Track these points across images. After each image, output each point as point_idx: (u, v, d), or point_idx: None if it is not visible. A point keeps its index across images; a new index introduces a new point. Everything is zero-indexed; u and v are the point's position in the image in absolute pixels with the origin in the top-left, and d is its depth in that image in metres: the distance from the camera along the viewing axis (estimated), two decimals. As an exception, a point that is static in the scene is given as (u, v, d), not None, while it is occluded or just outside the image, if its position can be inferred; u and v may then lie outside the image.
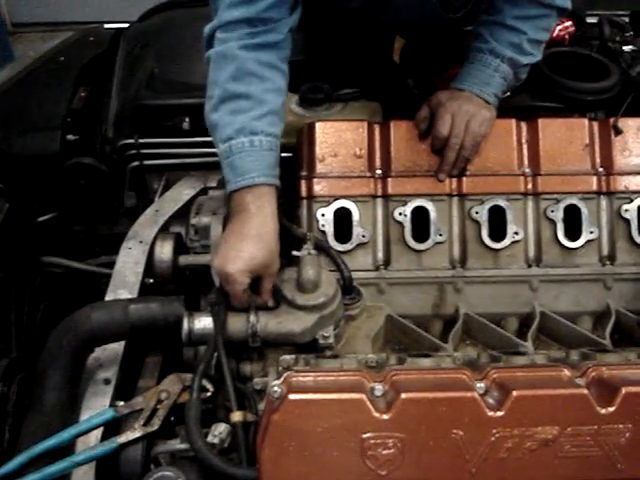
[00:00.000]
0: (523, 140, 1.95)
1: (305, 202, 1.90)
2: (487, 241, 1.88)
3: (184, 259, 1.97)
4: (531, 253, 1.91)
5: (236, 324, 1.66)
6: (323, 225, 1.89)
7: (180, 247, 2.00)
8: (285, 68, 1.80)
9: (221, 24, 1.75)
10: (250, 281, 1.65)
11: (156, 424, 1.54)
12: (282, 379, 1.42)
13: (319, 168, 1.90)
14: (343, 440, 1.34)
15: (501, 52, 1.90)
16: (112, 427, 1.57)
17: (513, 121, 1.96)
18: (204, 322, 1.66)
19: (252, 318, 1.66)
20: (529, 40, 1.90)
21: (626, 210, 1.91)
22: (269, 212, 1.68)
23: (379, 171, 1.93)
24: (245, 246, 1.64)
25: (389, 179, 1.91)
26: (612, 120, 1.97)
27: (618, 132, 1.95)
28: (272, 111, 1.72)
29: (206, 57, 1.78)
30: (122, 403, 1.60)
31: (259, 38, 1.73)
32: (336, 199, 1.90)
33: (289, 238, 1.82)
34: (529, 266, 1.90)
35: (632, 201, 1.92)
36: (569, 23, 2.48)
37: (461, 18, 2.08)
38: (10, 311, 1.90)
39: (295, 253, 1.74)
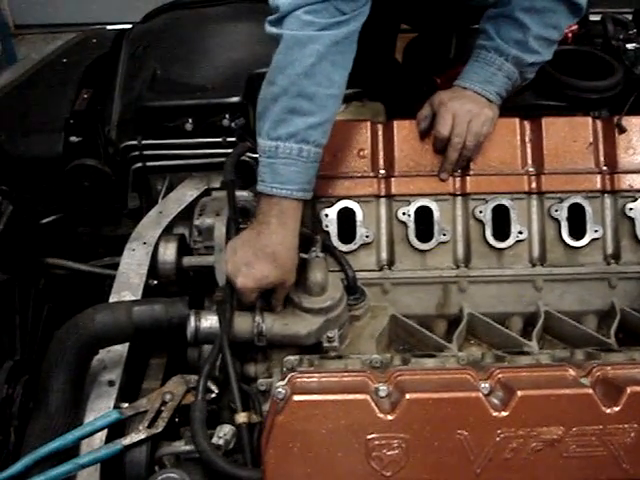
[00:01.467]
0: (527, 139, 1.95)
1: (309, 202, 1.89)
2: (491, 240, 1.88)
3: (188, 260, 1.96)
4: (535, 252, 1.91)
5: (242, 324, 1.66)
6: (327, 225, 1.89)
7: (184, 248, 1.99)
8: (350, 69, 1.72)
9: (308, 2, 1.62)
10: (259, 295, 1.67)
11: (160, 426, 1.54)
12: (286, 380, 1.42)
13: (322, 168, 1.89)
14: (347, 441, 1.34)
15: (505, 50, 1.88)
16: (116, 429, 1.57)
17: (516, 120, 1.95)
18: (210, 321, 1.66)
19: (257, 318, 1.66)
20: (535, 37, 1.87)
21: (630, 209, 1.90)
22: (291, 228, 1.66)
23: (382, 171, 1.93)
24: (258, 264, 1.64)
25: (392, 179, 1.91)
26: (616, 118, 1.96)
27: (622, 130, 1.94)
28: (329, 120, 1.68)
29: (273, 33, 1.68)
30: (126, 405, 1.60)
31: (344, 27, 1.65)
32: (339, 199, 1.90)
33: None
34: (533, 265, 1.89)
35: (636, 199, 1.91)
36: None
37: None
38: (14, 313, 1.90)
39: (303, 256, 1.74)
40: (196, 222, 2.03)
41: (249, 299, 1.67)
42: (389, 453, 1.33)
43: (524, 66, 1.92)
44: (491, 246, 1.89)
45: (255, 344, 1.68)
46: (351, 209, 1.90)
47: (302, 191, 1.66)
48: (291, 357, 1.62)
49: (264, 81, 1.69)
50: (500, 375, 1.42)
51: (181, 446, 1.52)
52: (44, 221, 2.28)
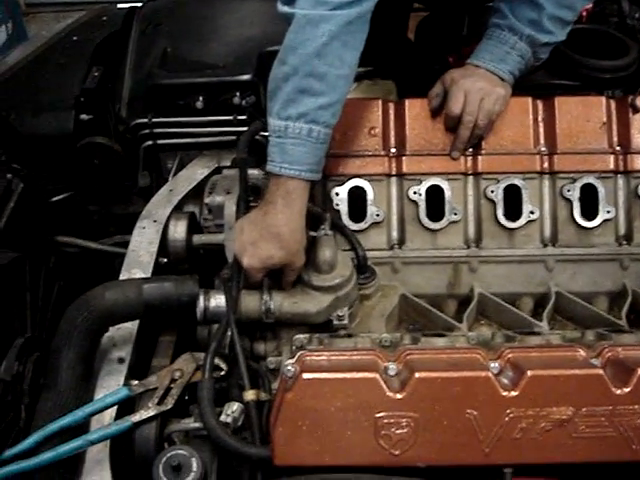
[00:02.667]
0: (539, 118, 1.93)
1: (319, 181, 1.88)
2: (502, 220, 1.87)
3: (198, 238, 1.97)
4: (547, 232, 1.89)
5: (250, 302, 1.66)
6: (337, 204, 1.88)
7: (194, 226, 1.99)
8: (362, 49, 1.70)
9: None
10: (265, 275, 1.67)
11: (170, 403, 1.55)
12: (296, 358, 1.42)
13: (333, 147, 1.88)
14: (356, 419, 1.34)
15: (519, 29, 1.87)
16: (126, 406, 1.58)
17: (529, 99, 1.93)
18: (219, 300, 1.66)
19: (265, 295, 1.66)
20: (549, 17, 1.85)
21: (644, 189, 1.89)
22: (297, 209, 1.65)
23: (394, 150, 1.92)
24: (263, 244, 1.64)
25: (404, 158, 1.90)
26: (630, 98, 1.94)
27: (636, 110, 1.92)
28: (339, 100, 1.66)
29: (285, 12, 1.66)
30: (136, 382, 1.61)
31: (357, 7, 1.61)
32: (350, 178, 1.90)
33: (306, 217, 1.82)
34: (545, 246, 1.88)
35: (650, 180, 1.90)
36: (587, -1, 2.44)
37: None
38: (25, 291, 1.90)
39: (312, 233, 1.73)
40: (206, 200, 2.03)
41: (255, 279, 1.67)
42: (398, 432, 1.33)
43: (538, 46, 1.90)
44: (502, 226, 1.87)
45: (263, 322, 1.67)
46: (362, 188, 1.89)
47: (310, 172, 1.65)
48: (301, 335, 1.63)
49: (275, 60, 1.67)
50: (510, 355, 1.42)
51: (190, 423, 1.52)
52: (55, 199, 2.28)
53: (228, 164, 2.21)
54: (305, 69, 1.60)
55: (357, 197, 1.89)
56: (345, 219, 1.87)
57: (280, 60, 1.66)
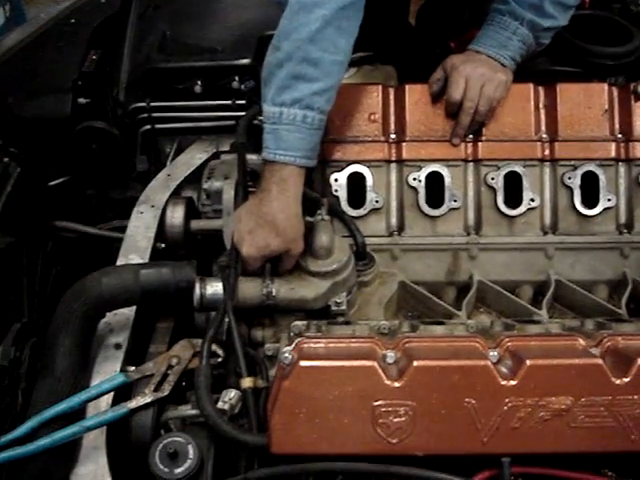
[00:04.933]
0: (541, 105, 1.92)
1: (318, 167, 1.87)
2: (502, 208, 1.86)
3: (196, 224, 1.96)
4: (547, 220, 1.88)
5: (249, 289, 1.65)
6: (336, 190, 1.87)
7: (192, 212, 1.99)
8: (356, 35, 1.69)
9: None
10: (263, 263, 1.67)
11: (167, 390, 1.55)
12: (293, 345, 1.42)
13: (333, 132, 1.88)
14: (354, 407, 1.33)
15: (521, 14, 1.85)
16: (123, 392, 1.57)
17: (531, 85, 1.92)
18: (216, 287, 1.65)
19: (267, 280, 1.66)
20: (551, 1, 1.84)
21: (645, 177, 1.88)
22: (293, 195, 1.65)
23: (393, 135, 1.90)
24: (260, 232, 1.63)
25: (403, 144, 1.89)
26: (633, 85, 1.92)
27: (638, 98, 1.91)
28: (333, 86, 1.65)
29: None
30: (133, 368, 1.61)
31: None
32: (350, 164, 1.88)
33: (303, 203, 1.80)
34: (545, 233, 1.87)
35: (651, 168, 1.88)
36: (590, -15, 2.42)
37: None
38: (22, 276, 1.89)
39: (308, 219, 1.72)
40: (204, 185, 2.02)
41: (254, 267, 1.67)
42: (396, 420, 1.33)
43: (539, 31, 1.89)
44: (502, 213, 1.86)
45: (263, 305, 1.66)
46: (361, 174, 1.87)
47: (305, 158, 1.64)
48: (298, 322, 1.62)
49: (269, 46, 1.67)
50: (509, 344, 1.41)
51: (187, 410, 1.52)
52: (52, 183, 2.27)
53: (227, 149, 2.20)
54: (299, 55, 1.60)
55: (356, 183, 1.87)
56: (344, 205, 1.86)
57: (274, 46, 1.65)
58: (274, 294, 1.65)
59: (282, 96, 1.61)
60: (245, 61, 2.28)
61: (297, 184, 1.65)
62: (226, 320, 1.59)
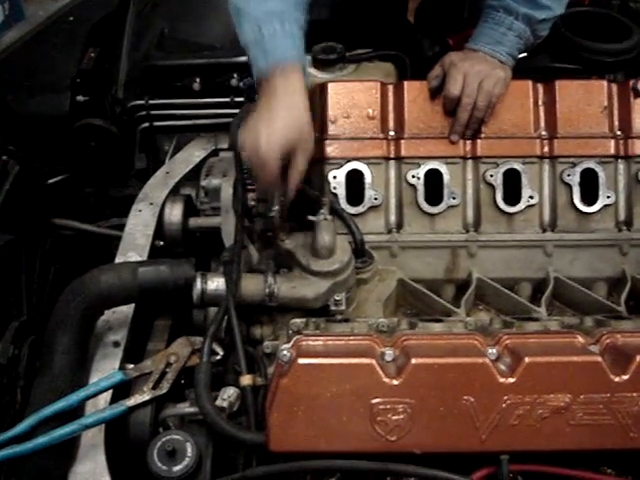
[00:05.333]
0: (540, 102, 1.91)
1: (317, 164, 1.87)
2: (501, 205, 1.85)
3: (194, 221, 1.96)
4: (546, 217, 1.88)
5: (251, 285, 1.65)
6: (335, 187, 1.86)
7: (190, 209, 1.99)
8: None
9: None
10: (282, 160, 1.62)
11: (165, 387, 1.54)
12: (292, 343, 1.41)
13: (331, 129, 1.87)
14: (352, 405, 1.33)
15: (514, 8, 1.84)
16: (121, 390, 1.57)
17: (529, 82, 1.91)
18: (217, 283, 1.65)
19: (270, 279, 1.65)
20: None
21: (644, 174, 1.87)
22: (298, 88, 1.65)
23: (392, 133, 1.90)
24: (276, 122, 1.61)
25: (402, 141, 1.88)
26: (632, 82, 1.91)
27: (638, 94, 1.90)
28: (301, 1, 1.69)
29: None
30: (131, 366, 1.61)
31: None
32: (348, 161, 1.87)
33: (303, 201, 1.80)
34: (544, 231, 1.87)
35: (651, 165, 1.88)
36: (589, -19, 2.43)
37: None
38: (21, 274, 1.90)
39: (310, 218, 1.72)
40: (203, 183, 2.03)
41: (272, 170, 1.61)
42: (394, 418, 1.33)
43: (535, 23, 1.88)
44: (501, 210, 1.86)
45: (265, 305, 1.66)
46: (360, 171, 1.87)
47: (298, 57, 1.66)
48: (297, 320, 1.62)
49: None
50: (508, 341, 1.41)
51: (185, 408, 1.52)
52: (51, 181, 2.27)
53: (225, 146, 2.20)
54: None
55: (355, 180, 1.87)
56: (342, 202, 1.85)
57: None
58: (276, 292, 1.64)
59: (255, 15, 1.66)
60: (244, 58, 2.26)
61: (300, 79, 1.66)
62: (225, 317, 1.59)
